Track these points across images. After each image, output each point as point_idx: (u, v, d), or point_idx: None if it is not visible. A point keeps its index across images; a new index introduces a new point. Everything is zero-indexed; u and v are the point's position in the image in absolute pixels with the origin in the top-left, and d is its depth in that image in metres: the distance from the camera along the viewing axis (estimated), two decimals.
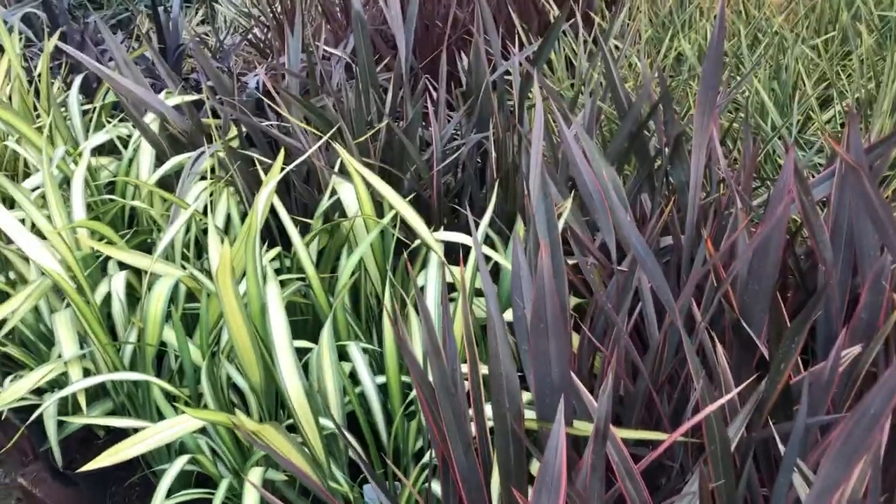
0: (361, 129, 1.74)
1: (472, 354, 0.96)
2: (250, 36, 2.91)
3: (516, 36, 2.52)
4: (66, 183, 1.79)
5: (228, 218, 1.74)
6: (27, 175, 2.10)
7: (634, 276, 1.13)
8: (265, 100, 2.21)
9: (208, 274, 1.68)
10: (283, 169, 1.40)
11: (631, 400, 1.07)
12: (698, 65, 2.12)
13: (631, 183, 1.46)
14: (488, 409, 1.03)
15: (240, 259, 1.39)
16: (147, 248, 1.79)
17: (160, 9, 2.61)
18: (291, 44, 2.07)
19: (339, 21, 2.87)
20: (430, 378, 0.95)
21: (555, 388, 0.90)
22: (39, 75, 2.24)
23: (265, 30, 2.93)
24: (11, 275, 1.70)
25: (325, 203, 1.60)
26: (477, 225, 1.50)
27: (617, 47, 2.23)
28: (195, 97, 1.95)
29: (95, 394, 1.52)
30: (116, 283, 1.48)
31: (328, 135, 1.73)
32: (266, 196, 1.30)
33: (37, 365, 1.59)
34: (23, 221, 1.61)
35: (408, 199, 1.65)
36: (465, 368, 1.00)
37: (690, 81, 2.06)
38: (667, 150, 1.38)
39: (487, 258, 1.54)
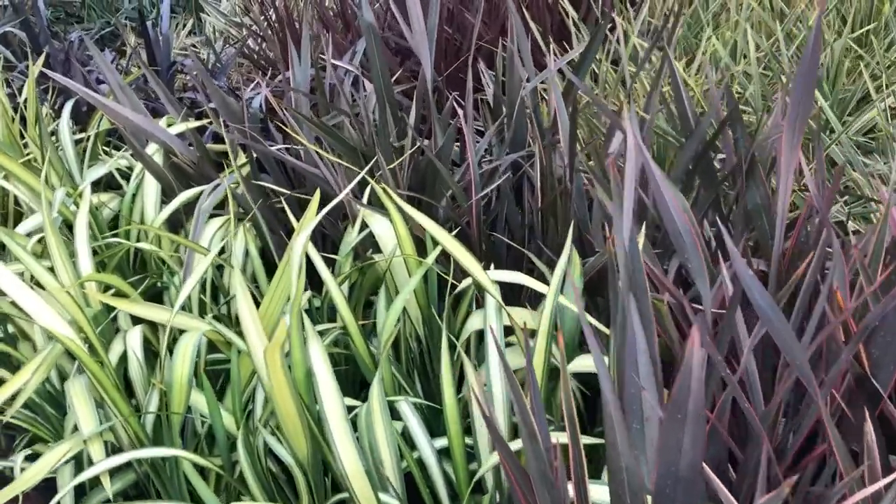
0: (387, 153, 1.60)
1: (574, 437, 0.83)
2: (244, 48, 2.75)
3: (528, 39, 2.38)
4: (65, 224, 1.64)
5: (245, 252, 1.60)
6: (18, 214, 1.94)
7: (731, 324, 1.00)
8: (269, 119, 2.07)
9: (233, 324, 1.54)
10: (300, 201, 1.26)
11: (743, 478, 0.94)
12: (733, 65, 1.99)
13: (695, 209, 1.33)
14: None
15: (272, 313, 1.25)
16: (158, 293, 1.64)
17: (147, 22, 2.45)
18: (300, 57, 1.92)
19: (335, 27, 2.72)
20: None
21: (680, 478, 0.77)
22: (26, 101, 2.08)
23: (259, 40, 2.77)
24: (10, 328, 1.55)
25: (355, 238, 1.46)
26: (553, 268, 1.36)
27: (644, 47, 2.10)
28: (199, 123, 1.80)
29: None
30: (133, 340, 1.34)
31: (362, 170, 1.58)
32: (302, 246, 1.16)
33: (48, 433, 1.44)
34: (21, 274, 1.46)
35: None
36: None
37: (730, 85, 1.93)
38: (736, 171, 1.26)
39: (540, 295, 1.41)
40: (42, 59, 2.16)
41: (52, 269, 1.40)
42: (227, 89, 2.35)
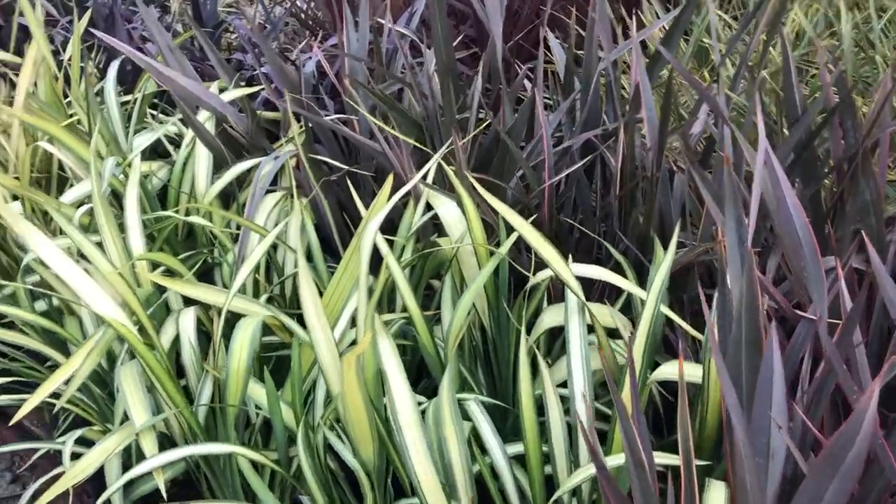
0: (452, 129, 1.50)
1: (688, 471, 0.74)
2: (291, 7, 2.64)
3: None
4: (113, 195, 1.57)
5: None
6: (62, 179, 1.87)
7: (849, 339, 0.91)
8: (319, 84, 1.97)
9: (287, 304, 1.46)
10: (356, 175, 1.17)
11: None
12: (819, 41, 1.86)
13: None
14: None
15: (337, 302, 1.17)
16: (208, 269, 1.57)
17: None
18: (358, 20, 1.82)
19: None
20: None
21: None
22: (70, 59, 2.00)
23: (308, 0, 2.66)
24: (55, 300, 1.49)
25: (419, 220, 1.37)
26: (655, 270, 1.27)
27: (722, 20, 1.97)
28: (252, 90, 1.71)
29: (163, 447, 1.32)
30: (186, 324, 1.27)
31: (424, 145, 1.49)
32: (371, 236, 1.08)
33: (95, 413, 1.38)
34: (67, 249, 1.39)
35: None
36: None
37: (812, 62, 1.80)
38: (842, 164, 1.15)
39: (619, 289, 1.32)
40: (87, 15, 2.07)
41: (100, 245, 1.33)
42: (275, 51, 2.25)
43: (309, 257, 1.52)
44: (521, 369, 1.07)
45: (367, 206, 1.30)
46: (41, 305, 1.52)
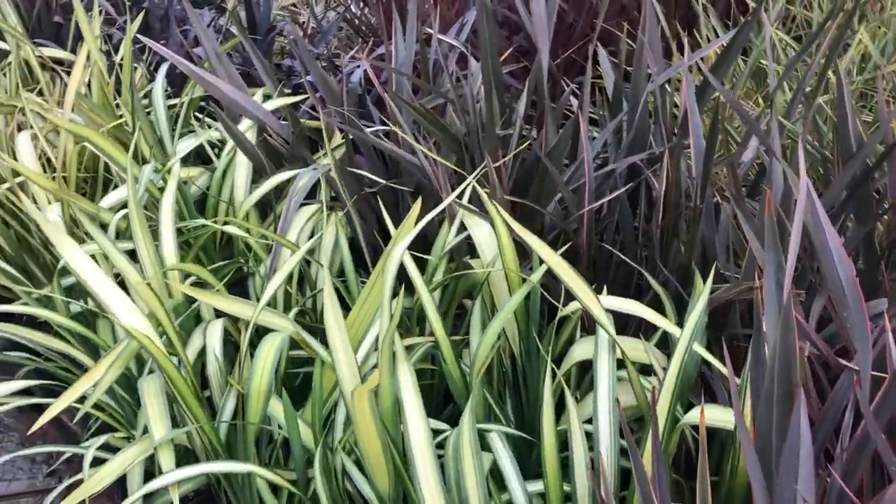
0: (492, 146, 1.47)
1: None
2: (345, 13, 2.64)
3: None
4: (152, 200, 1.57)
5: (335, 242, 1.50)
6: (107, 180, 1.89)
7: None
8: (367, 93, 1.96)
9: (318, 319, 1.45)
10: (395, 189, 1.15)
11: None
12: (885, 65, 1.77)
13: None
14: None
15: (361, 324, 1.15)
16: (243, 279, 1.56)
17: None
18: (405, 29, 1.80)
19: None
20: None
21: None
22: (122, 61, 2.03)
23: (361, 4, 2.65)
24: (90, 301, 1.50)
25: (452, 241, 1.34)
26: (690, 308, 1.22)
27: (782, 40, 1.90)
28: (295, 99, 1.70)
29: (185, 458, 1.31)
30: (213, 335, 1.26)
31: (464, 161, 1.46)
32: (397, 260, 1.05)
33: (121, 417, 1.39)
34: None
35: (549, 240, 1.39)
36: None
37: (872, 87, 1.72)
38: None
39: (653, 326, 1.27)
40: (140, 18, 2.10)
41: (133, 253, 1.33)
42: (325, 57, 2.25)
43: (341, 272, 1.51)
44: (545, 404, 1.03)
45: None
46: (76, 307, 1.54)
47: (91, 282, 1.16)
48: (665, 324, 1.09)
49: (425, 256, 1.40)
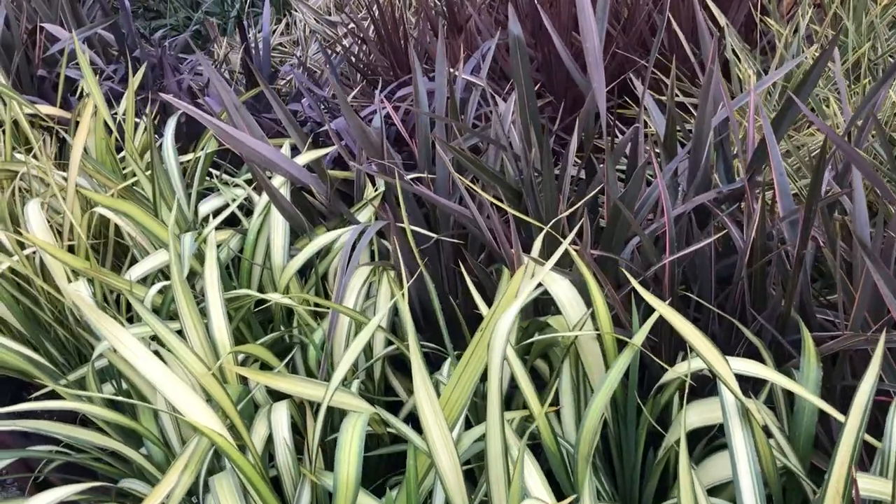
0: (552, 195, 1.38)
1: None
2: (339, 50, 2.54)
3: (714, 44, 2.15)
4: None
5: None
6: (120, 245, 1.76)
7: None
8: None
9: (377, 388, 1.34)
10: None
11: None
12: None
13: None
14: None
15: (456, 403, 1.05)
16: (286, 349, 1.44)
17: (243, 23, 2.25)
18: (437, 71, 1.71)
19: (436, 26, 2.49)
20: None
21: None
22: (124, 114, 1.90)
23: (359, 42, 2.56)
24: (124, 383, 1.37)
25: (527, 296, 1.24)
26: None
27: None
28: (326, 151, 1.59)
29: None
30: (280, 424, 1.14)
31: (517, 210, 1.37)
32: (503, 339, 0.95)
33: None
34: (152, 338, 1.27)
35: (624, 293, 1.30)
36: None
37: None
38: None
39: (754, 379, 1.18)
40: (142, 69, 1.98)
41: (181, 335, 1.21)
42: (329, 100, 2.15)
43: (393, 329, 1.40)
44: (682, 485, 0.94)
45: (451, 279, 1.18)
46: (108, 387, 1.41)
47: (147, 373, 1.04)
48: (801, 391, 1.01)
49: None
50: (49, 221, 1.72)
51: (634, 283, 1.04)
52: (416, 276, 1.37)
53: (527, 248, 1.38)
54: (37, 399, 1.19)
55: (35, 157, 1.94)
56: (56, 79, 2.34)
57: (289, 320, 1.47)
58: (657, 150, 1.57)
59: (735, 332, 1.32)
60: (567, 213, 1.30)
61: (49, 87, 2.41)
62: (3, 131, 1.87)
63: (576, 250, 1.15)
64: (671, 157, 1.50)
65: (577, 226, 1.40)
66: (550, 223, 1.26)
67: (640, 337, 1.09)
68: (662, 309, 1.01)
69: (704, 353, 0.99)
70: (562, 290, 1.22)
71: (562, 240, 1.10)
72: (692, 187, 1.38)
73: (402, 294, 1.20)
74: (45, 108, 2.09)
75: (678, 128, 1.48)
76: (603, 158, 1.84)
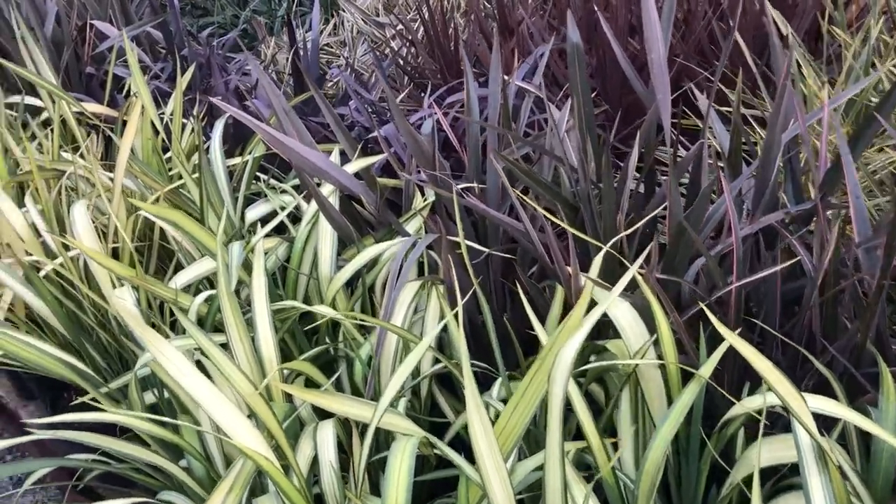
0: (611, 212, 1.32)
1: None
2: (387, 53, 2.50)
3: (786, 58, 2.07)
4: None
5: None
6: (165, 249, 1.74)
7: None
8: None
9: (423, 406, 1.30)
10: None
11: None
12: None
13: None
14: None
15: (511, 433, 1.00)
16: (330, 362, 1.41)
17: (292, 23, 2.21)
18: (491, 77, 1.66)
19: (488, 31, 2.44)
20: None
21: None
22: (171, 115, 1.88)
23: (407, 44, 2.52)
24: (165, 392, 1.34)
25: (587, 322, 1.19)
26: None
27: None
28: (376, 159, 1.55)
29: None
30: (327, 446, 1.11)
31: (572, 224, 1.32)
32: (566, 371, 0.90)
33: None
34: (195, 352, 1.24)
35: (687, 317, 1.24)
36: None
37: None
38: None
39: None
40: (191, 70, 1.95)
41: (227, 349, 1.18)
42: (377, 104, 2.11)
43: (441, 347, 1.36)
44: None
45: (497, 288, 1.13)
46: (149, 396, 1.39)
47: (192, 391, 1.01)
48: (878, 431, 0.94)
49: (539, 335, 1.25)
50: (94, 222, 1.71)
51: (710, 315, 0.98)
52: (468, 295, 1.32)
53: (583, 265, 1.33)
54: (78, 408, 1.17)
55: (82, 156, 1.93)
56: (104, 76, 2.34)
57: (335, 332, 1.43)
58: (721, 165, 1.51)
59: (801, 361, 1.26)
60: (628, 232, 1.24)
61: (97, 84, 2.41)
62: (52, 130, 1.86)
63: (641, 273, 1.09)
64: (736, 173, 1.43)
65: (636, 242, 1.35)
66: (610, 242, 1.20)
67: (707, 369, 1.03)
68: (734, 340, 0.96)
69: (779, 389, 0.93)
70: (622, 313, 1.16)
71: (628, 265, 1.04)
72: (760, 206, 1.32)
73: (456, 315, 1.15)
74: (92, 107, 2.08)
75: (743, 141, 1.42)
76: (662, 171, 1.78)
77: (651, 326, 1.15)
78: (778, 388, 0.93)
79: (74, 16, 2.52)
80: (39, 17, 2.56)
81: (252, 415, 1.10)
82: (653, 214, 1.28)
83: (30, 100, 2.20)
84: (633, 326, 1.14)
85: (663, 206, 1.42)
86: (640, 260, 1.03)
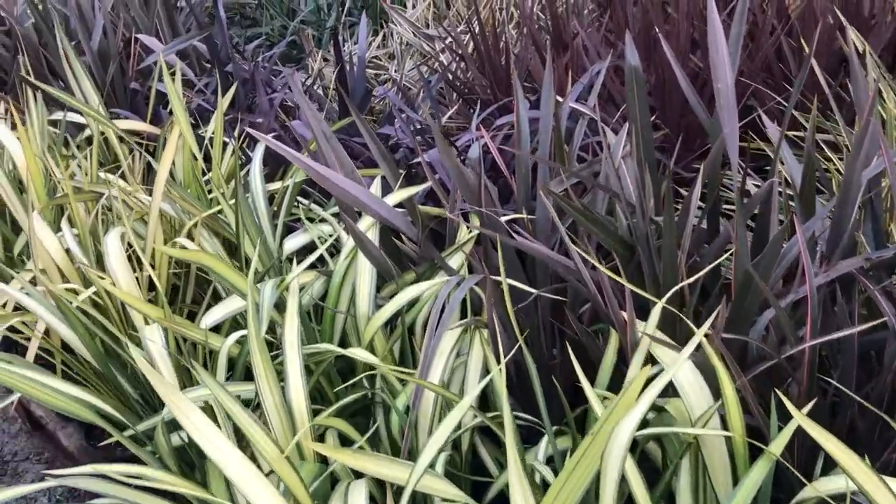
0: (671, 254, 1.22)
1: None
2: (436, 66, 2.42)
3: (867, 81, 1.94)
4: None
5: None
6: (200, 277, 1.68)
7: None
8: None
9: (463, 463, 1.21)
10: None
11: None
12: None
13: None
14: None
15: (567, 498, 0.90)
16: (366, 407, 1.33)
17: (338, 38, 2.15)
18: (542, 98, 1.57)
19: (542, 45, 2.34)
20: None
21: None
22: (211, 138, 1.83)
23: (457, 58, 2.43)
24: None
25: (640, 374, 1.09)
26: None
27: None
28: (419, 189, 1.47)
29: None
30: None
31: (628, 264, 1.22)
32: (623, 449, 0.80)
33: None
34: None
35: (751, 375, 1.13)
36: None
37: None
38: None
39: None
40: (232, 90, 1.90)
41: (255, 406, 1.11)
42: (423, 123, 2.03)
43: (483, 400, 1.27)
44: None
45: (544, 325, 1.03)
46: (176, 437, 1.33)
47: (218, 460, 0.94)
48: None
49: (605, 394, 1.15)
50: (132, 248, 1.66)
51: (782, 397, 0.87)
52: (512, 351, 1.23)
53: (640, 310, 1.23)
54: (104, 457, 1.11)
55: (123, 175, 1.89)
56: (149, 91, 2.30)
57: (372, 377, 1.35)
58: (791, 200, 1.39)
59: (882, 426, 1.14)
60: (689, 281, 1.14)
61: (141, 99, 2.38)
62: (90, 151, 1.82)
63: (706, 334, 0.99)
64: (809, 211, 1.32)
65: (699, 287, 1.25)
66: (668, 294, 1.10)
67: (778, 445, 0.93)
68: (803, 421, 0.85)
69: (855, 473, 0.82)
70: (683, 374, 1.06)
71: (693, 326, 0.94)
72: (837, 251, 1.20)
73: (500, 370, 1.06)
74: (133, 125, 2.04)
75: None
76: (726, 199, 1.67)
77: (713, 384, 1.05)
78: (854, 472, 0.82)
79: (121, 28, 2.49)
80: (87, 30, 2.54)
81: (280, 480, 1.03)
82: (718, 262, 1.16)
83: (74, 115, 2.17)
84: (695, 389, 1.04)
85: (728, 247, 1.31)
86: (706, 325, 0.93)
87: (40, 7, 2.68)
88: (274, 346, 1.34)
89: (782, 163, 1.36)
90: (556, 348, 1.43)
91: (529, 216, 1.48)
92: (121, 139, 2.08)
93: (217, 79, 2.26)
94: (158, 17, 2.66)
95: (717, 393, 1.05)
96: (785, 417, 0.95)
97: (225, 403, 0.99)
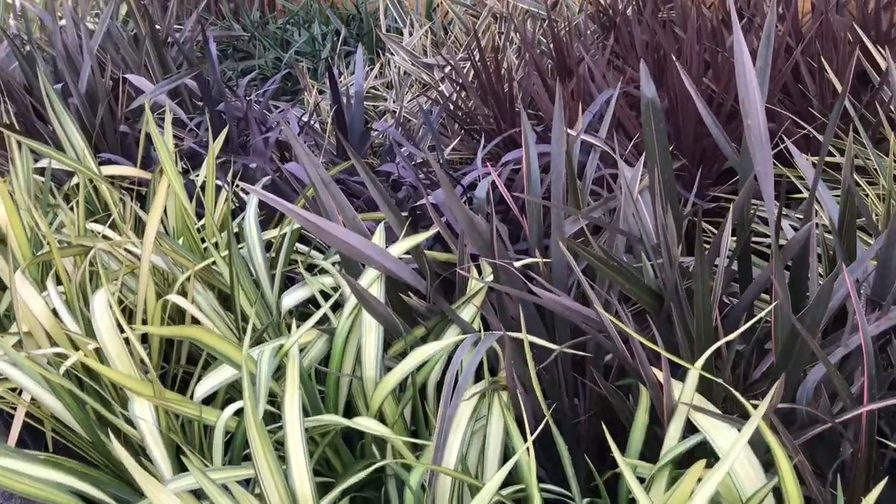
0: (705, 306, 1.11)
1: None
2: (435, 97, 2.32)
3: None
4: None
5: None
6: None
7: None
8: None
9: None
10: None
11: None
12: None
13: None
14: None
15: None
16: (376, 480, 1.23)
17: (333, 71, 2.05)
18: (553, 132, 1.47)
19: (544, 71, 2.25)
20: None
21: None
22: (203, 185, 1.73)
23: (457, 87, 2.34)
24: None
25: (678, 447, 0.99)
26: None
27: None
28: (425, 236, 1.37)
29: None
30: None
31: (654, 315, 1.11)
32: None
33: None
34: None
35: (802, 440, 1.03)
36: None
37: None
38: None
39: None
40: (223, 135, 1.81)
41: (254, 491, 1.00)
42: (422, 156, 1.93)
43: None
44: None
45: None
46: None
47: None
48: None
49: (645, 465, 1.05)
50: (124, 302, 1.57)
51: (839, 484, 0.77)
52: (541, 426, 1.13)
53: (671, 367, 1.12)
54: None
55: (113, 223, 1.80)
56: (139, 133, 2.21)
57: (382, 442, 1.25)
58: (828, 234, 1.29)
59: None
60: (729, 339, 1.03)
61: (132, 141, 2.28)
62: (77, 202, 1.72)
63: (753, 405, 0.88)
64: (849, 252, 1.22)
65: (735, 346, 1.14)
66: (702, 358, 0.99)
67: None
68: None
69: None
70: (722, 439, 0.95)
71: (745, 402, 0.84)
72: (889, 296, 1.10)
73: (527, 448, 0.96)
74: (122, 170, 1.95)
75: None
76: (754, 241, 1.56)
77: (761, 454, 0.94)
78: None
79: (109, 67, 2.41)
80: (74, 71, 2.46)
81: None
82: (759, 317, 1.06)
83: (60, 163, 2.07)
84: (744, 466, 0.93)
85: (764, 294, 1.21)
86: (763, 405, 0.82)
87: (25, 49, 2.60)
88: (274, 415, 1.24)
89: (818, 201, 1.25)
90: (579, 401, 1.33)
91: (545, 260, 1.38)
92: (112, 183, 1.99)
93: (207, 119, 2.17)
94: (148, 54, 2.58)
95: (765, 462, 0.95)
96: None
97: (216, 499, 0.88)
